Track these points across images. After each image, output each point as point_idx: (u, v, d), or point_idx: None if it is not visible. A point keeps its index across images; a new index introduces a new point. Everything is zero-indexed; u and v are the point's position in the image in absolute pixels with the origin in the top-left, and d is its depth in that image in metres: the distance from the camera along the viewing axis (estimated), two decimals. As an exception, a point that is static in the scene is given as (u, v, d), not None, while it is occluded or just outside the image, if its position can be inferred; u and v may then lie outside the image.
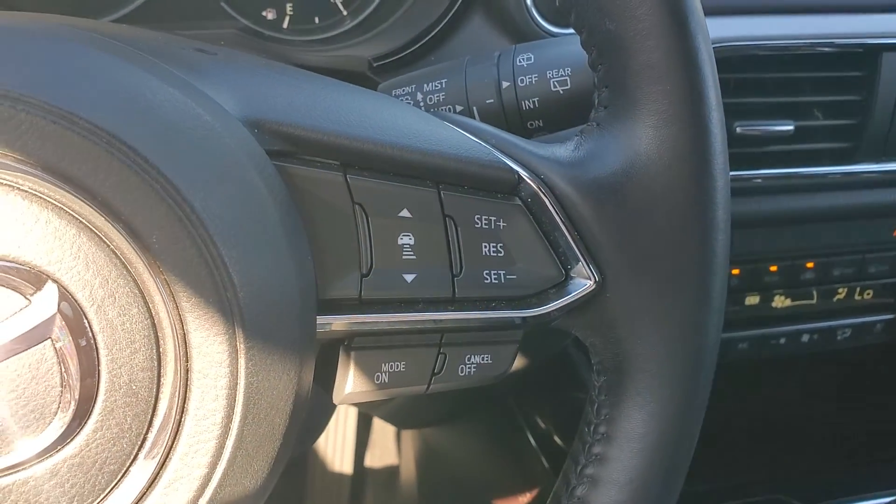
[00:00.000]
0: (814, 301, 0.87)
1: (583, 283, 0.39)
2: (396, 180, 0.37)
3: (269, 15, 0.73)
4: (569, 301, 0.39)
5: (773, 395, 0.99)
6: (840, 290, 0.87)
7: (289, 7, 0.73)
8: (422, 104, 0.53)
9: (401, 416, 1.01)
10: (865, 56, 0.69)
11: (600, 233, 0.39)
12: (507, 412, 0.94)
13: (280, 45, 0.69)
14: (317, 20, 0.74)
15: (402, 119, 0.39)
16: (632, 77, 0.38)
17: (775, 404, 0.99)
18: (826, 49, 0.68)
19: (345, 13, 0.75)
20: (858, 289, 0.88)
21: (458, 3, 0.65)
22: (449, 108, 0.53)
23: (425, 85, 0.53)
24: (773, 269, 0.83)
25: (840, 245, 0.82)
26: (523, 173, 0.39)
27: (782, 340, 0.86)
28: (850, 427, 0.97)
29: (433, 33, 0.64)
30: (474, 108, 0.53)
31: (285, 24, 0.74)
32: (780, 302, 0.86)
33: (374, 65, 0.64)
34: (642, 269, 0.39)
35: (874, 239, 0.82)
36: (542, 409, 0.89)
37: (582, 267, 0.39)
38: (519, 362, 0.83)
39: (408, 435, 1.19)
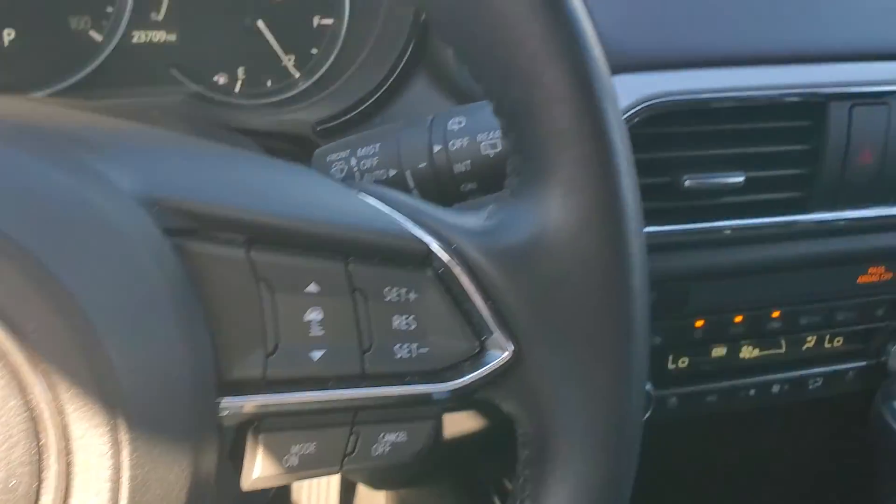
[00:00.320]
0: (783, 350, 0.85)
1: (498, 354, 0.38)
2: (303, 254, 0.37)
3: (221, 80, 0.73)
4: (485, 373, 0.38)
5: (740, 446, 0.97)
6: (809, 339, 0.86)
7: (240, 71, 0.74)
8: (356, 169, 0.53)
9: (369, 478, 0.99)
10: (813, 106, 0.69)
11: (514, 302, 0.38)
12: (476, 474, 0.92)
13: (228, 109, 0.69)
14: (269, 83, 0.74)
15: (311, 191, 0.39)
16: (540, 144, 0.38)
17: (741, 455, 0.97)
18: (774, 100, 0.68)
19: (297, 76, 0.75)
20: (828, 336, 0.87)
21: (401, 66, 0.65)
22: (383, 173, 0.53)
23: (359, 150, 0.53)
24: (738, 319, 0.82)
25: (805, 294, 0.81)
26: (434, 244, 0.38)
27: (752, 392, 0.85)
28: (820, 476, 0.95)
29: (376, 97, 0.64)
30: (407, 172, 0.52)
31: (237, 89, 0.74)
32: (747, 352, 0.84)
33: (318, 129, 0.64)
34: (559, 338, 0.38)
35: (839, 287, 0.81)
36: (508, 472, 0.87)
37: (497, 337, 0.38)
38: (481, 426, 0.82)
39: (389, 494, 1.17)
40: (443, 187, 0.52)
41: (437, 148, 0.52)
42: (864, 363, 0.89)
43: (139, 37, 0.71)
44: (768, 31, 0.69)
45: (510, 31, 0.36)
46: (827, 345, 0.87)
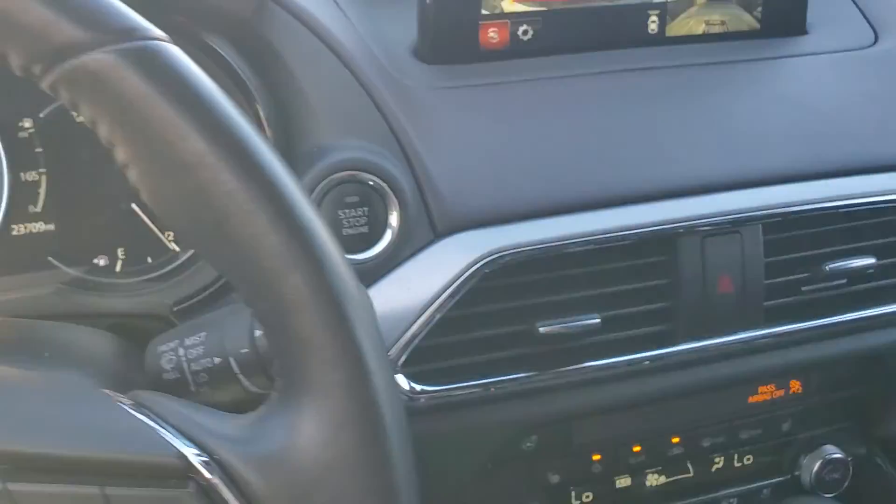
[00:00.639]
0: (691, 474, 0.85)
1: (262, 562, 0.39)
2: (61, 482, 0.38)
3: (101, 261, 0.76)
4: (249, 583, 0.39)
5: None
6: (717, 460, 0.86)
7: (120, 252, 0.76)
8: (184, 359, 0.55)
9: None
10: (664, 242, 0.71)
11: None
12: None
13: (95, 294, 0.71)
14: (150, 259, 0.77)
15: (75, 413, 0.40)
16: (291, 352, 0.39)
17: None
18: (623, 241, 0.70)
19: (177, 249, 0.77)
20: (736, 455, 0.86)
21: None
22: (208, 361, 0.54)
23: (186, 339, 0.55)
24: (637, 448, 0.81)
25: (698, 419, 0.81)
26: (195, 458, 0.39)
27: (664, 520, 0.84)
28: None
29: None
30: (231, 358, 0.54)
31: (118, 268, 0.76)
32: (654, 480, 0.84)
33: (174, 309, 0.66)
34: None
35: (731, 409, 0.81)
36: None
37: None
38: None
39: None
40: (268, 371, 0.54)
41: (258, 333, 0.54)
42: (778, 479, 0.88)
43: (18, 229, 0.74)
44: (615, 174, 0.72)
45: (249, 250, 0.39)
46: (737, 463, 0.87)
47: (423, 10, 0.77)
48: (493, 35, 0.81)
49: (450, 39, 0.78)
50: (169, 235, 0.78)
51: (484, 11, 0.79)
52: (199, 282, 0.68)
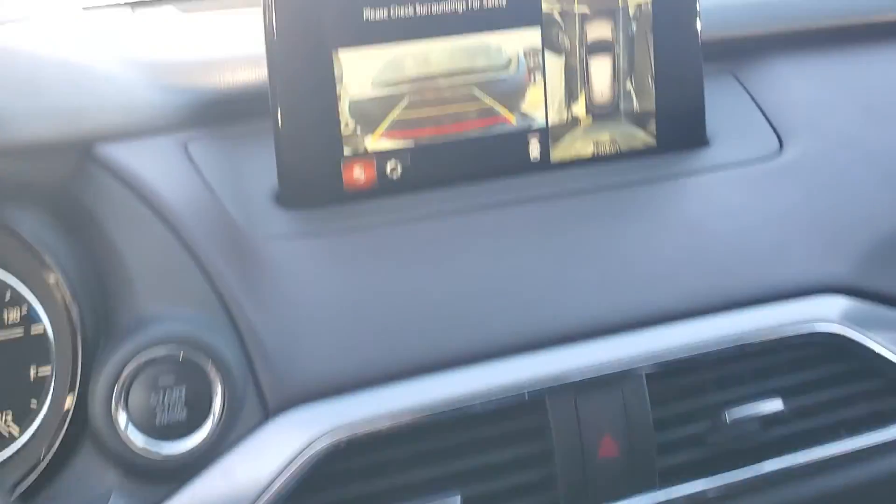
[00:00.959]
0: None
1: None
2: None
3: None
4: None
5: None
6: None
7: None
8: None
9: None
10: (531, 404, 0.63)
11: None
12: None
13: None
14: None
15: None
16: None
17: None
18: (487, 406, 0.62)
19: (14, 433, 0.70)
20: None
21: (62, 435, 0.60)
22: None
23: None
24: None
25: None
26: None
27: None
28: None
29: (38, 471, 0.59)
30: None
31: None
32: None
33: (16, 492, 0.59)
34: None
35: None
36: None
37: None
38: None
39: None
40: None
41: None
42: None
43: None
44: (480, 327, 0.64)
45: None
46: None
47: (279, 152, 0.71)
48: (358, 175, 0.75)
49: (310, 182, 0.71)
50: (6, 416, 0.71)
51: (347, 152, 0.73)
52: (32, 459, 0.60)
